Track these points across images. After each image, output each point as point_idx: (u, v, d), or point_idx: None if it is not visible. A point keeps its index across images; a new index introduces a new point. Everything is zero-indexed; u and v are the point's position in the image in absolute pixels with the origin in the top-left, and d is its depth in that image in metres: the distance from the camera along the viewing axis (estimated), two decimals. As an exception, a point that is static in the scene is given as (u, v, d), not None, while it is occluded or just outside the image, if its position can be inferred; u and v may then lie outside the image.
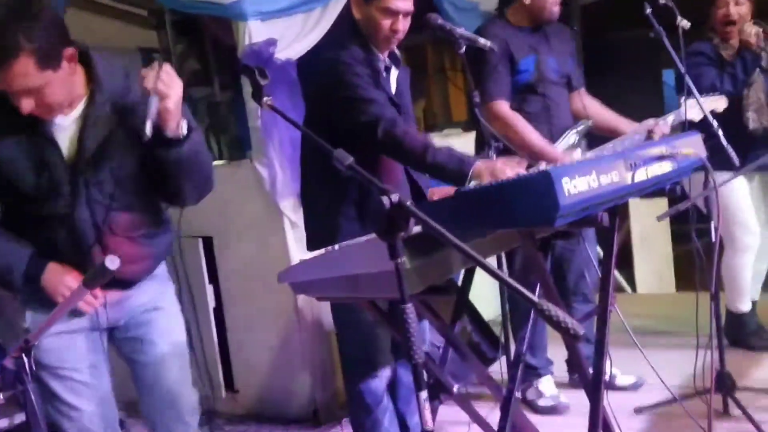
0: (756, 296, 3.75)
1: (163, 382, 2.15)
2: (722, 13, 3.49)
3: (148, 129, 1.77)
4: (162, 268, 2.21)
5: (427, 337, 2.87)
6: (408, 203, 1.38)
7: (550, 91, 3.20)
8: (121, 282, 2.03)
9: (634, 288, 5.15)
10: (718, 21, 3.51)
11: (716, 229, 2.75)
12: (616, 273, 5.12)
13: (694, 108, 3.06)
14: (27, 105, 1.80)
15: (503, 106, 3.08)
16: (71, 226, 1.95)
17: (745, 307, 3.66)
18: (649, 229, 5.16)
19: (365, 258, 1.82)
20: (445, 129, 4.84)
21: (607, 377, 2.98)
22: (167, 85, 1.78)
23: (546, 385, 3.42)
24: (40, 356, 1.97)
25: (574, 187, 1.67)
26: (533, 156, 2.94)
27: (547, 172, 1.62)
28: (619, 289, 5.17)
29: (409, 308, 1.40)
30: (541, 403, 3.37)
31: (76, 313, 1.99)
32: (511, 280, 1.24)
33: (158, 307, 2.16)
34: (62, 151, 1.92)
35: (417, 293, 1.92)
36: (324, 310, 3.54)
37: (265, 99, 1.70)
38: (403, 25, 2.53)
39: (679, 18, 2.87)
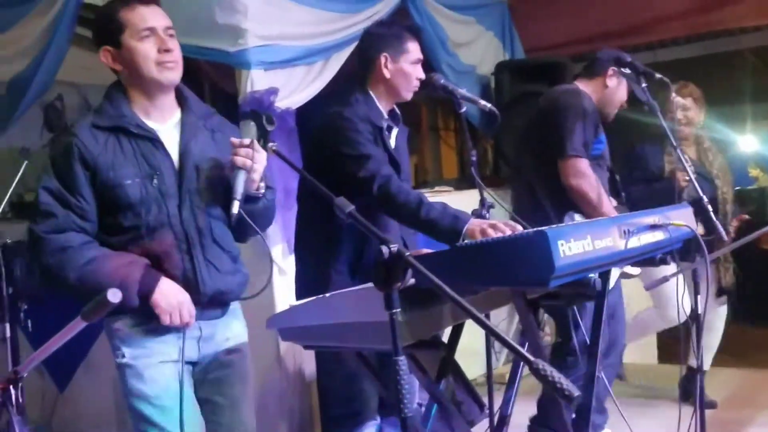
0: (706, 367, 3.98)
1: (239, 423, 2.17)
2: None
3: (236, 208, 1.92)
4: (239, 305, 2.23)
5: (416, 393, 2.83)
6: (407, 254, 1.38)
7: (603, 169, 3.21)
8: (220, 298, 2.08)
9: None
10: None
11: (702, 303, 2.77)
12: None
13: None
14: (174, 44, 2.00)
15: (587, 165, 3.04)
16: (177, 231, 1.99)
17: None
18: (633, 298, 5.17)
19: (357, 307, 1.82)
20: (436, 186, 4.88)
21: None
22: (256, 161, 1.95)
23: None
24: (140, 387, 2.00)
25: (569, 249, 1.68)
26: None
27: (543, 233, 1.64)
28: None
29: (402, 361, 1.39)
30: None
31: (169, 330, 2.00)
32: (507, 338, 1.24)
33: (239, 350, 2.19)
34: (170, 155, 2.01)
35: (406, 346, 1.92)
36: (306, 360, 3.51)
37: (270, 144, 1.72)
38: (421, 72, 2.69)
39: (674, 94, 2.95)
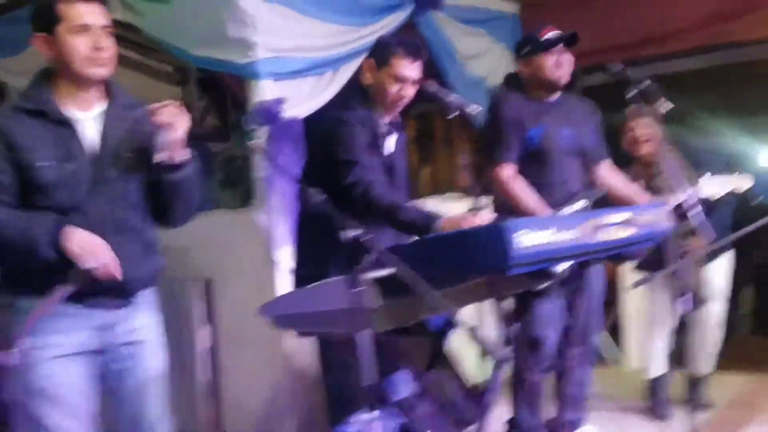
0: (709, 369, 4.08)
1: (143, 416, 2.25)
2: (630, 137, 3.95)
3: (161, 157, 2.07)
4: (152, 297, 2.31)
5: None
6: (367, 238, 1.53)
7: (559, 160, 3.25)
8: (123, 285, 2.14)
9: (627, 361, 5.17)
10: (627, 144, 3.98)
11: (694, 304, 2.83)
12: (613, 344, 5.18)
13: (712, 184, 3.31)
14: (108, 42, 2.10)
15: (506, 170, 3.15)
16: (88, 216, 2.09)
17: (652, 373, 4.06)
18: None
19: (338, 295, 1.95)
20: (447, 192, 5.02)
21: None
22: (178, 119, 2.06)
23: None
24: (35, 381, 2.07)
25: (528, 239, 1.81)
26: None
27: (500, 224, 1.77)
28: (615, 361, 5.21)
29: (362, 335, 1.54)
30: None
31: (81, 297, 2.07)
32: (438, 296, 1.38)
33: (144, 340, 2.26)
34: (87, 143, 2.13)
35: (386, 332, 2.06)
36: (313, 357, 3.64)
37: (255, 141, 1.88)
38: (411, 91, 2.77)
39: (661, 100, 3.04)
